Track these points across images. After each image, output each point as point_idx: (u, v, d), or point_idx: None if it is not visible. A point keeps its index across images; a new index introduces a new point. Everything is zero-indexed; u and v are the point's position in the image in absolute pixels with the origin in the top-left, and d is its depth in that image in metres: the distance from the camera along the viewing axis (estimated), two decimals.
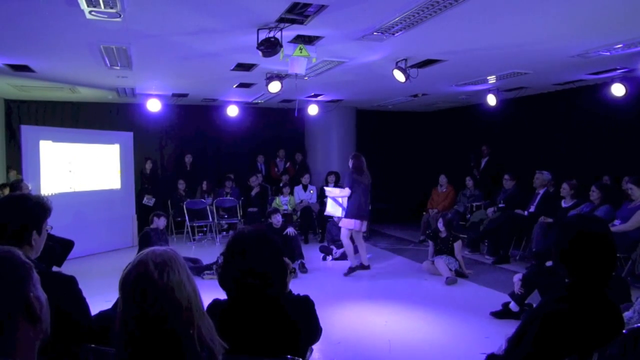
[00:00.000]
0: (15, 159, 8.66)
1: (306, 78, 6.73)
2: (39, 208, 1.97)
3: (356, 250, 6.74)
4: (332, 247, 7.59)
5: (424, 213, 9.11)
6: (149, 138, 10.36)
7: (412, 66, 6.04)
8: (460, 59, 5.86)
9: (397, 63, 5.88)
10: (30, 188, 5.70)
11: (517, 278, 4.68)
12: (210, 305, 1.91)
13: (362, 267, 6.66)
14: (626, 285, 4.19)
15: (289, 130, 11.17)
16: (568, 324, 1.75)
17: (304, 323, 1.96)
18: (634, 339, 1.86)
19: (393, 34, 4.65)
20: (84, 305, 2.00)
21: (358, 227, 6.46)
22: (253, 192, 9.59)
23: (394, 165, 11.65)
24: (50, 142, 7.55)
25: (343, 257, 7.46)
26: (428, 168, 11.01)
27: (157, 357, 1.29)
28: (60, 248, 5.35)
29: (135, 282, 1.33)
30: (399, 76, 5.90)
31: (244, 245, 1.89)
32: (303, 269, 6.68)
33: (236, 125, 10.48)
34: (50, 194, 7.10)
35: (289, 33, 4.57)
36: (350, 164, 6.57)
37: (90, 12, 3.85)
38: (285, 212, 8.91)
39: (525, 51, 5.51)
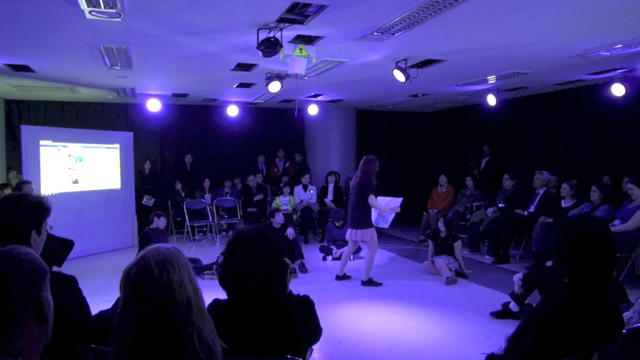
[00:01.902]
0: (15, 159, 8.66)
1: (306, 78, 6.73)
2: (38, 208, 1.97)
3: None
4: (332, 247, 7.59)
5: (424, 213, 9.11)
6: (149, 138, 10.37)
7: (412, 66, 6.04)
8: (460, 59, 5.87)
9: (397, 63, 5.88)
10: (34, 189, 5.69)
11: (517, 278, 4.67)
12: (210, 305, 1.91)
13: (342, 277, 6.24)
14: (622, 288, 4.19)
15: (289, 130, 11.18)
16: (568, 324, 1.75)
17: (303, 323, 1.96)
18: (634, 339, 1.86)
19: (393, 34, 4.65)
20: (84, 305, 2.00)
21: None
22: (255, 199, 9.55)
23: (394, 165, 11.64)
24: (50, 142, 7.56)
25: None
26: (428, 168, 11.01)
27: (155, 354, 1.29)
28: (60, 248, 5.34)
29: (135, 278, 1.33)
30: (399, 76, 5.90)
31: (244, 245, 1.89)
32: (303, 269, 6.68)
33: (236, 125, 10.49)
34: (50, 194, 7.11)
35: (289, 33, 4.57)
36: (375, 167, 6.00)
37: (90, 12, 3.85)
38: (285, 212, 8.90)
39: (525, 51, 5.51)
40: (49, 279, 1.79)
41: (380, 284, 5.93)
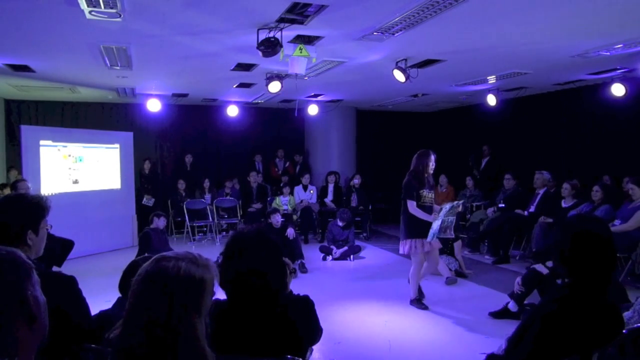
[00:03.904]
0: (15, 159, 8.66)
1: (306, 78, 6.73)
2: (35, 208, 1.95)
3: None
4: (332, 247, 7.58)
5: None
6: (149, 138, 10.38)
7: (412, 66, 6.04)
8: (460, 59, 5.86)
9: (397, 63, 5.88)
10: (30, 187, 5.69)
11: (520, 279, 4.65)
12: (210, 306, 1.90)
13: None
14: (622, 288, 4.19)
15: (289, 130, 11.18)
16: (568, 324, 1.75)
17: (303, 323, 1.96)
18: (634, 339, 1.86)
19: (393, 34, 4.65)
20: (84, 305, 2.00)
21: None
22: (254, 206, 9.54)
23: (394, 165, 11.64)
24: (50, 142, 7.56)
25: (343, 257, 7.47)
26: None
27: None
28: (60, 248, 5.35)
29: (134, 291, 1.30)
30: (399, 76, 5.90)
31: (243, 245, 1.89)
32: (303, 269, 6.68)
33: (236, 125, 10.49)
34: (50, 194, 7.11)
35: (289, 33, 4.57)
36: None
37: (90, 12, 3.86)
38: (285, 212, 8.91)
39: (525, 51, 5.51)
40: (52, 279, 1.79)
41: (426, 308, 5.01)
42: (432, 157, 4.93)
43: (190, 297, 1.29)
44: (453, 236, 5.18)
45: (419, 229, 4.81)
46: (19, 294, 1.18)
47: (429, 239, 4.75)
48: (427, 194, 4.88)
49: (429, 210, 4.85)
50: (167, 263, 1.30)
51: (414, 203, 4.83)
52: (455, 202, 4.96)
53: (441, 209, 4.74)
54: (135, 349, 1.23)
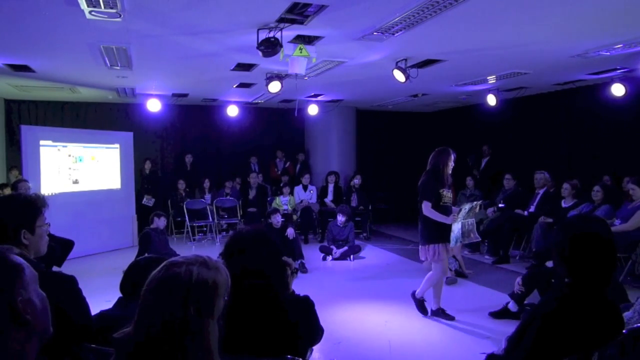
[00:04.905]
0: (16, 159, 8.66)
1: (306, 78, 6.72)
2: (27, 207, 1.93)
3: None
4: (332, 247, 7.58)
5: None
6: (149, 138, 10.37)
7: (412, 66, 6.04)
8: (460, 59, 5.86)
9: (397, 63, 5.88)
10: (30, 187, 5.70)
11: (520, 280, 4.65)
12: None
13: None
14: (622, 288, 4.18)
15: (289, 130, 11.18)
16: (568, 324, 1.75)
17: (303, 323, 1.96)
18: (634, 339, 1.86)
19: (393, 34, 4.65)
20: (84, 305, 1.99)
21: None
22: (251, 195, 9.56)
23: (394, 165, 11.67)
24: (50, 142, 7.56)
25: (343, 257, 7.47)
26: None
27: None
28: (60, 248, 5.34)
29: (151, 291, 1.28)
30: (399, 76, 5.90)
31: (243, 245, 1.89)
32: (303, 269, 6.68)
33: (236, 125, 10.50)
34: (50, 194, 7.11)
35: (289, 33, 4.57)
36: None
37: (90, 12, 3.86)
38: (285, 212, 8.91)
39: (525, 51, 5.51)
40: (52, 279, 1.79)
41: (453, 318, 4.69)
42: (453, 156, 4.61)
43: (204, 301, 1.27)
44: (479, 239, 4.91)
45: (440, 232, 4.47)
46: (6, 299, 1.15)
47: (452, 244, 4.52)
48: (447, 193, 4.54)
49: (449, 210, 4.52)
50: (178, 269, 1.28)
51: (429, 204, 4.45)
52: (474, 202, 4.72)
53: (460, 210, 4.52)
54: (145, 351, 1.22)
